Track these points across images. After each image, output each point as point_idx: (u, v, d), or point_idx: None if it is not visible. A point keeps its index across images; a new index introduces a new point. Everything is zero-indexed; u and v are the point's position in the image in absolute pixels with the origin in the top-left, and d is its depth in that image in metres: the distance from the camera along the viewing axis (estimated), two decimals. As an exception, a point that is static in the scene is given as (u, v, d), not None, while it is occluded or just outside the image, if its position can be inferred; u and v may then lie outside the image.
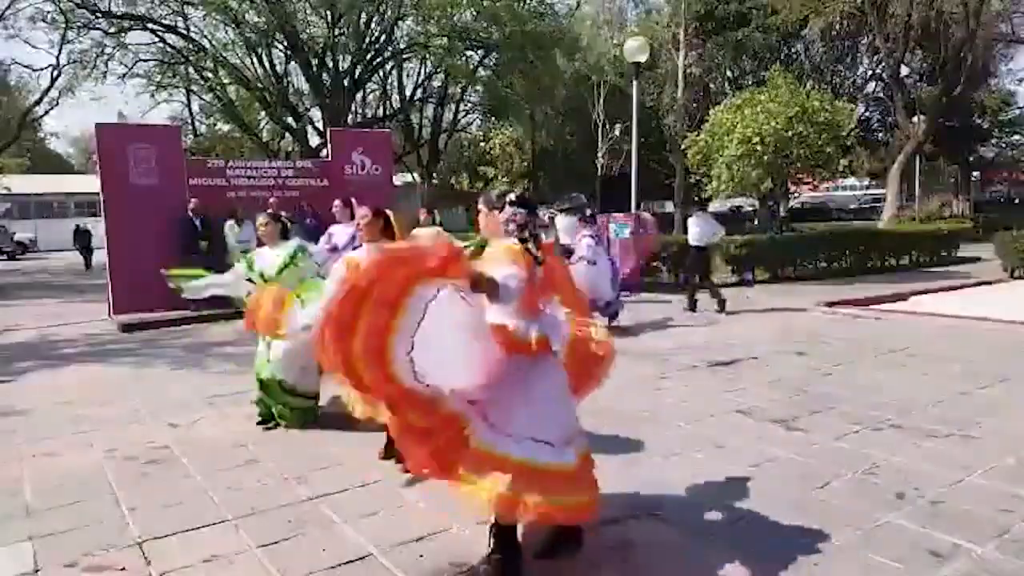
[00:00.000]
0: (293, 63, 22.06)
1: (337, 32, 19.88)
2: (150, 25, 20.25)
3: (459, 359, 2.60)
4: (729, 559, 2.93)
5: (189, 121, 27.08)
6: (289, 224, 5.15)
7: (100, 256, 20.93)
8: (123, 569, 2.97)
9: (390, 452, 3.97)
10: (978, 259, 16.40)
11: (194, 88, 23.12)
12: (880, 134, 32.18)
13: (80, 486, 3.89)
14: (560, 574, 2.86)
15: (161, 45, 21.23)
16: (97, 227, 23.52)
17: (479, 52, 22.40)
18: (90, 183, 20.21)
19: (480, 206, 3.06)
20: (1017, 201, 35.26)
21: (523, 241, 2.77)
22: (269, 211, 5.57)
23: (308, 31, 20.38)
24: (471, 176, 24.46)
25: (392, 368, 2.46)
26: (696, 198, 12.52)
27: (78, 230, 22.29)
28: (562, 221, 11.67)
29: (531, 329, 2.74)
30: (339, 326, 2.40)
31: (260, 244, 5.14)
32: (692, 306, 10.02)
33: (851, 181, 39.08)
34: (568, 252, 9.32)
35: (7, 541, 3.26)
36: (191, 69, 21.47)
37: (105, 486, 3.89)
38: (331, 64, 21.29)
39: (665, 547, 3.06)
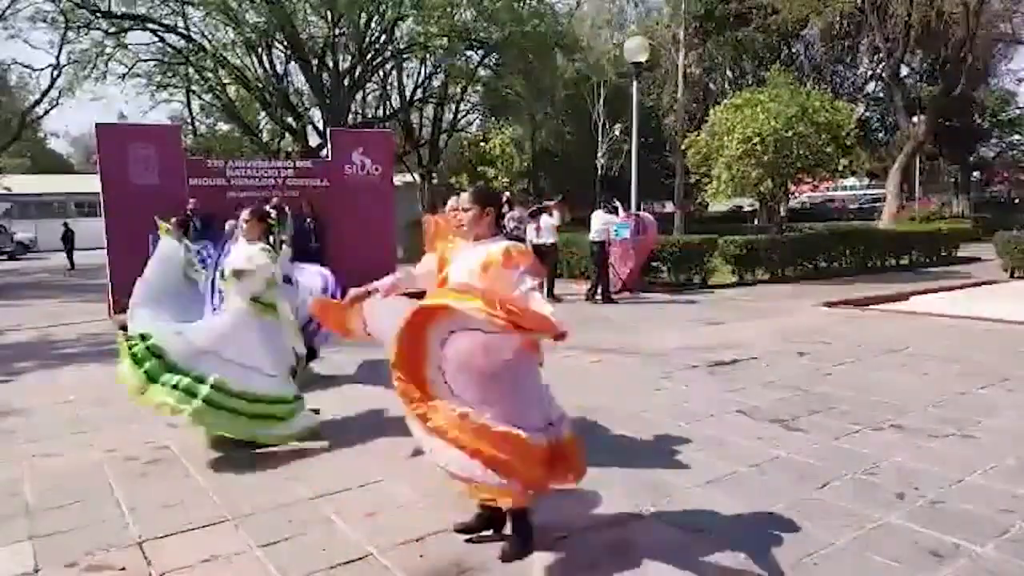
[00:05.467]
0: (293, 63, 22.07)
1: (337, 32, 19.88)
2: (150, 25, 20.26)
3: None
4: (729, 559, 2.93)
5: (189, 121, 27.07)
6: (280, 218, 5.01)
7: (82, 256, 21.22)
8: (123, 569, 2.97)
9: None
10: (978, 259, 16.42)
11: (194, 88, 23.15)
12: (880, 134, 32.19)
13: (80, 486, 3.89)
14: (560, 574, 2.86)
15: (161, 45, 21.26)
16: (80, 226, 23.63)
17: (479, 52, 22.40)
18: (90, 183, 20.17)
19: (468, 204, 2.93)
20: (1017, 201, 35.29)
21: (521, 241, 2.79)
22: (271, 207, 5.16)
23: (308, 31, 20.39)
24: (471, 176, 24.46)
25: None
26: (613, 197, 12.47)
27: (66, 229, 22.37)
28: (547, 220, 11.77)
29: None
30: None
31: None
32: (594, 295, 11.00)
33: (851, 181, 39.14)
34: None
35: (7, 541, 3.25)
36: (191, 69, 21.49)
37: (105, 486, 3.89)
38: (331, 64, 21.28)
39: (665, 547, 3.05)
